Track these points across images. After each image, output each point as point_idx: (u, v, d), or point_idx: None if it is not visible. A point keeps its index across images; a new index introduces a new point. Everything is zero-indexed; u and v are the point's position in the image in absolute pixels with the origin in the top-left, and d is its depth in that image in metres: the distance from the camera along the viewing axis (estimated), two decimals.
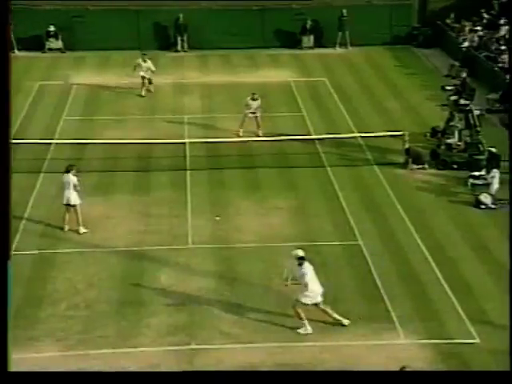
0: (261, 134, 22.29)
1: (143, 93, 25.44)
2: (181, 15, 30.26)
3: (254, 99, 22.36)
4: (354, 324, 14.18)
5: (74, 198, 16.91)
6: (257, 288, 15.21)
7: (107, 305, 14.62)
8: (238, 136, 22.17)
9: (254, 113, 22.38)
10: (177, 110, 24.46)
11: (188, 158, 20.67)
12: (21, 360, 12.98)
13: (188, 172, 20.11)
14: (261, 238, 17.04)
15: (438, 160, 20.73)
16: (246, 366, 13.04)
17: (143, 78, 25.40)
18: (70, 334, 13.79)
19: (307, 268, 13.78)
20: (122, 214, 18.04)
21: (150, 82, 25.63)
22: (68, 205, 16.96)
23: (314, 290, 13.76)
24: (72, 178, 16.92)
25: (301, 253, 13.87)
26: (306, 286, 13.68)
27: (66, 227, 17.02)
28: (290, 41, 31.30)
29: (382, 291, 15.17)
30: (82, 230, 16.96)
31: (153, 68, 25.56)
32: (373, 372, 10.92)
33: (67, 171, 17.02)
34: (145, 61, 25.35)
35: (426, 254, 16.51)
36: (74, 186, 16.91)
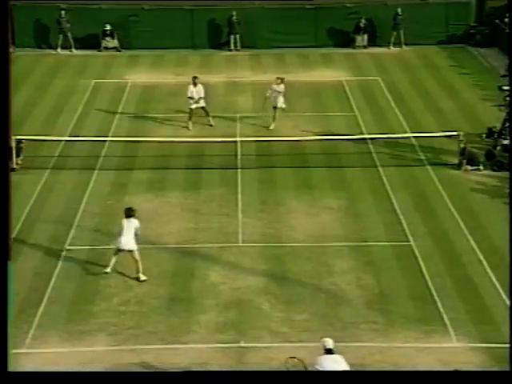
0: (271, 128, 22.42)
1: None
2: (234, 13, 30.37)
3: (277, 84, 22.33)
4: (406, 326, 14.03)
5: (132, 243, 15.22)
6: (306, 287, 15.16)
7: (158, 301, 14.76)
8: (268, 129, 22.33)
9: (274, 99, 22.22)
10: (229, 108, 24.55)
11: (239, 157, 20.71)
12: (74, 353, 13.26)
13: (239, 170, 20.17)
14: (311, 237, 16.99)
15: (494, 161, 20.33)
16: (295, 365, 12.99)
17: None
18: (122, 329, 13.96)
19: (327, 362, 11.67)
20: (173, 211, 18.19)
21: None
22: (122, 250, 15.27)
23: None
24: (135, 222, 15.26)
25: (330, 344, 11.90)
26: None
27: (109, 269, 15.43)
28: (344, 40, 31.10)
29: (433, 293, 14.97)
30: (143, 277, 15.35)
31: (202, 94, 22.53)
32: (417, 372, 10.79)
33: (129, 216, 15.25)
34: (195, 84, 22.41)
35: (480, 256, 16.23)
36: (136, 231, 15.27)
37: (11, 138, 10.20)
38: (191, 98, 22.55)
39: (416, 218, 17.79)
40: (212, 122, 22.81)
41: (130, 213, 15.33)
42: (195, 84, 22.57)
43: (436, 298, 14.83)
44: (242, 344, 13.55)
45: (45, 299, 14.78)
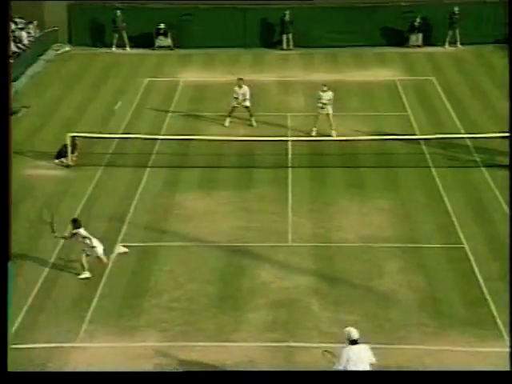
0: (334, 135, 21.65)
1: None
2: (287, 13, 30.35)
3: (323, 91, 21.93)
4: (458, 329, 13.80)
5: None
6: (357, 288, 15.04)
7: (207, 299, 14.81)
8: (310, 136, 21.74)
9: (323, 107, 21.80)
10: (280, 107, 24.52)
11: (290, 156, 20.67)
12: (125, 349, 13.39)
13: (290, 170, 20.13)
14: (362, 237, 16.85)
15: None
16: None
17: None
18: (172, 326, 14.03)
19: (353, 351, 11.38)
20: (224, 209, 18.26)
21: None
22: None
23: None
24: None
25: (355, 335, 11.49)
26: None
27: (88, 274, 15.44)
28: (398, 39, 30.79)
29: (487, 296, 14.69)
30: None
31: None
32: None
33: (79, 226, 15.29)
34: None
35: None
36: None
37: (11, 137, 10.24)
38: (236, 98, 22.71)
39: (470, 220, 17.49)
40: (254, 123, 22.75)
41: (79, 223, 15.34)
42: (240, 86, 22.65)
43: (489, 301, 14.54)
44: (291, 344, 13.51)
45: (97, 294, 14.99)
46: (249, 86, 22.93)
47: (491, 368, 12.72)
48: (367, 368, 11.35)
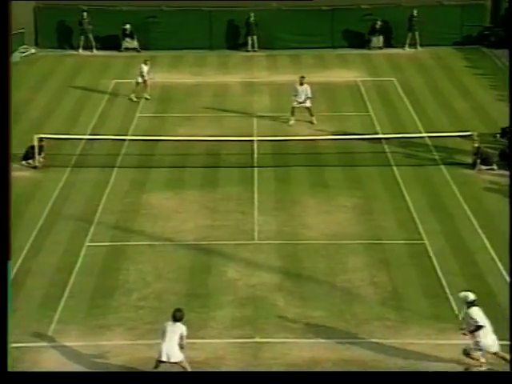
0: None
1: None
2: (252, 15, 30.68)
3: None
4: (419, 323, 14.24)
5: (177, 353, 12.48)
6: (321, 284, 15.42)
7: (175, 296, 15.04)
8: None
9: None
10: (246, 108, 24.84)
11: (256, 156, 21.01)
12: (92, 347, 13.57)
13: (255, 169, 20.45)
14: (326, 235, 17.23)
15: (508, 161, 20.49)
16: (310, 360, 13.24)
17: None
18: (140, 324, 14.24)
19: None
20: (190, 208, 18.51)
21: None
22: (166, 362, 12.47)
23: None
24: (181, 328, 12.54)
25: (472, 296, 12.99)
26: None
27: None
28: (359, 41, 31.32)
29: (447, 291, 15.16)
30: None
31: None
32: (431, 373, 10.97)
33: (178, 319, 12.51)
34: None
35: (493, 255, 16.40)
36: (181, 339, 12.51)
37: (11, 138, 10.34)
38: (296, 95, 23.02)
39: (430, 216, 17.98)
40: (315, 121, 23.03)
41: (178, 315, 12.62)
42: (302, 84, 23.06)
43: (449, 295, 14.99)
44: (258, 339, 13.80)
45: (65, 294, 15.13)
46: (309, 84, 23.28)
47: (450, 360, 13.19)
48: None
